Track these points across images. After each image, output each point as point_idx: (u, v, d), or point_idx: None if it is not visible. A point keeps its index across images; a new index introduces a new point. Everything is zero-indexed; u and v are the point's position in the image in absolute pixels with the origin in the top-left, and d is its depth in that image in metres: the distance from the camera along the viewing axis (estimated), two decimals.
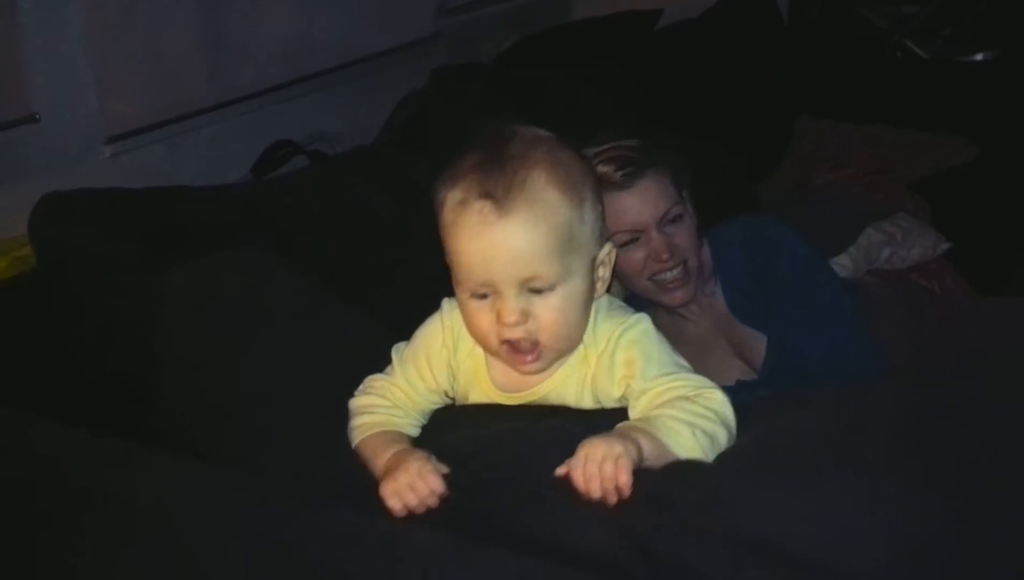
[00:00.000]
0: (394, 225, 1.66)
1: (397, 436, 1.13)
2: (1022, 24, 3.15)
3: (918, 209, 2.41)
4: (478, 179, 1.04)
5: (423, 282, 1.60)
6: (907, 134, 2.79)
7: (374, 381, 1.18)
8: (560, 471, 0.96)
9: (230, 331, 1.24)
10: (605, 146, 1.55)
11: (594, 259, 1.10)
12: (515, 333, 1.06)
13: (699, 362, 1.59)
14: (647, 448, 0.99)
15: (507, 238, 1.03)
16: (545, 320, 1.06)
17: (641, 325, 1.12)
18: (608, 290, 1.17)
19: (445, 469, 1.03)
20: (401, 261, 1.62)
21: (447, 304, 1.18)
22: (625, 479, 0.93)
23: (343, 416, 1.16)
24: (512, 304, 1.05)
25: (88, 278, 1.37)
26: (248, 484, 1.00)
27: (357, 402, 1.17)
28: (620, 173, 1.52)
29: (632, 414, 1.08)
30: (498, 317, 1.06)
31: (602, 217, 1.11)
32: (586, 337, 1.12)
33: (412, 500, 0.98)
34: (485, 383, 1.17)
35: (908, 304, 1.79)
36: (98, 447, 1.08)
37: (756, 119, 2.82)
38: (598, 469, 0.94)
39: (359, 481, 1.05)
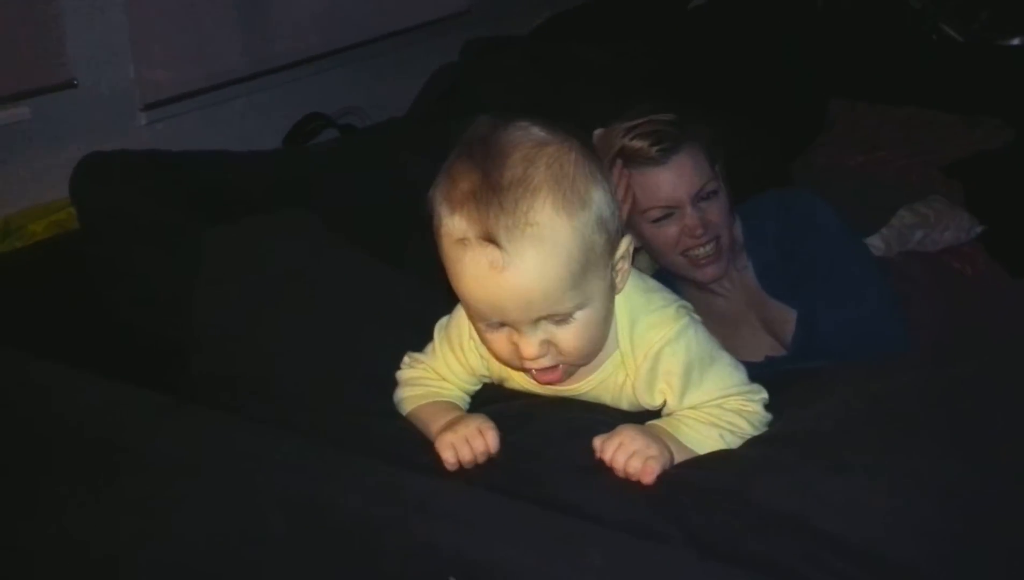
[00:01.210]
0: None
1: (451, 406, 1.12)
2: None
3: (952, 192, 2.38)
4: (476, 214, 0.93)
5: None
6: (941, 117, 2.76)
7: (418, 357, 1.17)
8: (595, 443, 0.98)
9: (270, 293, 1.25)
10: (640, 120, 1.54)
11: (613, 264, 1.02)
12: (537, 364, 1.01)
13: (729, 338, 1.59)
14: (677, 457, 1.00)
15: (517, 286, 0.94)
16: (568, 346, 1.00)
17: (685, 336, 1.05)
18: (633, 262, 1.10)
19: (500, 433, 1.03)
20: None
21: None
22: (649, 480, 0.94)
23: (385, 379, 1.17)
24: (531, 339, 0.98)
25: (127, 238, 1.39)
26: (284, 440, 1.02)
27: (405, 374, 1.16)
28: (656, 148, 1.51)
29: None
30: (517, 350, 1.00)
31: (616, 209, 1.01)
32: (622, 342, 1.06)
33: (466, 454, 0.99)
34: (520, 378, 1.12)
35: (941, 285, 1.78)
36: (137, 401, 1.10)
37: (788, 99, 2.80)
38: (626, 461, 0.95)
39: (407, 439, 1.06)
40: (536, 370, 1.02)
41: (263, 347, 1.21)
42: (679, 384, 1.05)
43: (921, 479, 0.91)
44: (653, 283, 1.13)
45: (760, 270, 1.61)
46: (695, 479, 0.95)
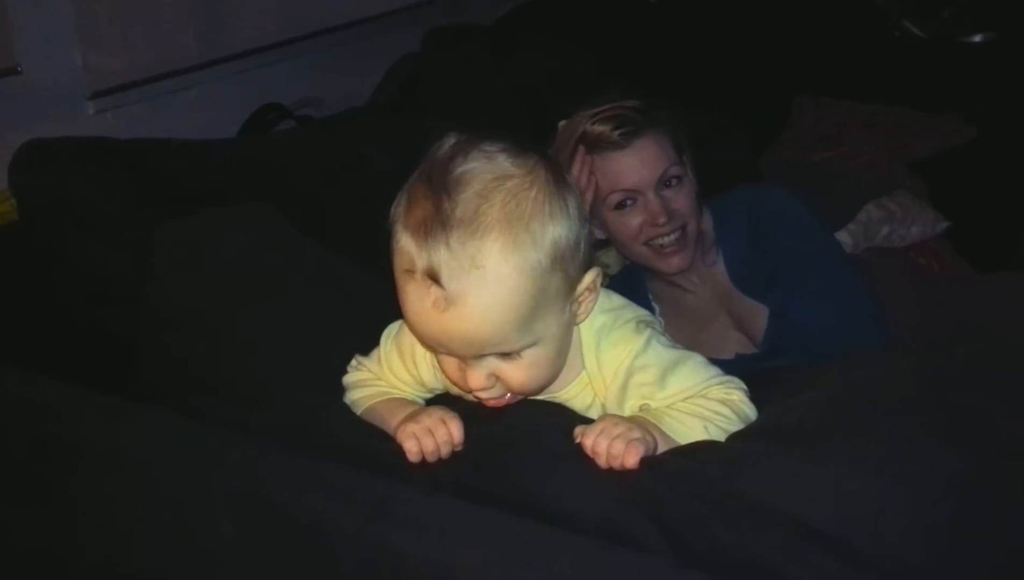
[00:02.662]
0: (394, 184, 1.61)
1: (409, 402, 1.08)
2: (1021, 5, 3.13)
3: (916, 188, 2.39)
4: (424, 247, 0.90)
5: None
6: (905, 113, 2.76)
7: (364, 361, 1.12)
8: (576, 431, 0.95)
9: (223, 289, 1.19)
10: (604, 107, 1.51)
11: (575, 298, 0.99)
12: (484, 395, 0.99)
13: (697, 334, 1.57)
14: (661, 446, 0.97)
15: (458, 328, 0.91)
16: (514, 382, 0.98)
17: (652, 345, 1.02)
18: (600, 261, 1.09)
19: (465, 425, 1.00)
20: None
21: None
22: (632, 462, 0.91)
23: (341, 378, 1.12)
24: (476, 372, 0.96)
25: (71, 229, 1.31)
26: (236, 441, 0.97)
27: (353, 377, 1.12)
28: (618, 132, 1.48)
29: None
30: (465, 378, 0.97)
31: (582, 241, 0.97)
32: (588, 362, 1.04)
33: (429, 444, 0.95)
34: None
35: (912, 282, 1.77)
36: (84, 402, 1.05)
37: (752, 94, 2.79)
38: (609, 444, 0.92)
39: (364, 435, 1.02)
40: (483, 398, 1.00)
41: (215, 345, 1.15)
42: (655, 384, 1.02)
43: (909, 470, 0.88)
44: (618, 300, 1.09)
45: (731, 266, 1.58)
46: (676, 468, 0.92)
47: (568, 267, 0.95)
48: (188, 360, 1.19)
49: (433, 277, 0.90)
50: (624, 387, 1.03)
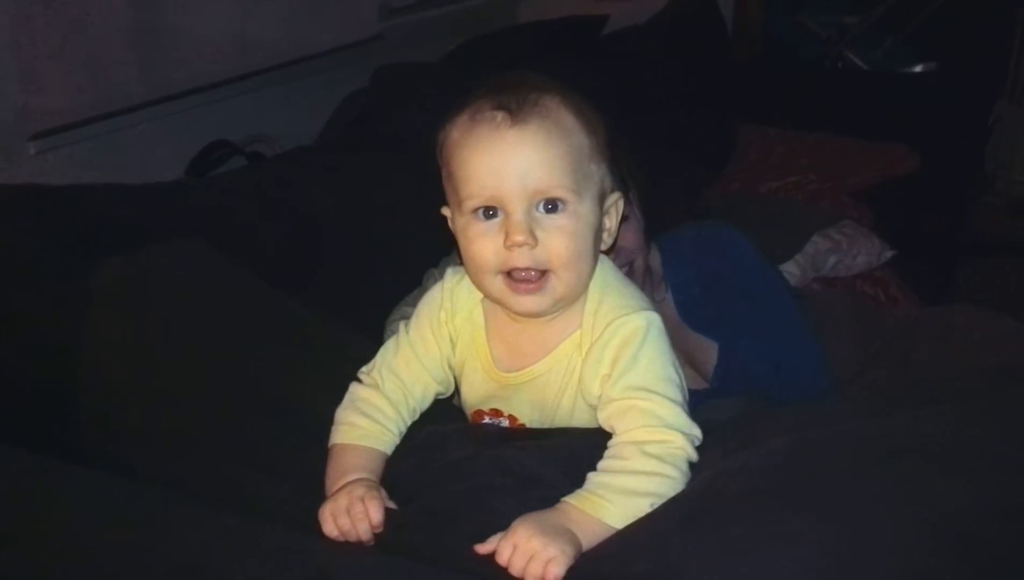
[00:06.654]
0: (337, 224, 1.59)
1: (367, 460, 1.05)
2: (961, 36, 3.21)
3: (862, 218, 2.42)
4: (490, 98, 1.02)
5: (365, 279, 1.54)
6: (850, 143, 2.81)
7: (368, 371, 1.11)
8: (485, 549, 0.91)
9: (160, 332, 1.15)
10: None
11: (603, 199, 1.06)
12: (522, 260, 1.00)
13: None
14: (587, 541, 0.93)
15: (520, 148, 0.99)
16: (556, 243, 1.01)
17: (641, 321, 1.03)
18: None
19: (392, 505, 0.97)
20: (343, 260, 1.55)
21: (450, 270, 1.15)
22: None
23: (287, 427, 1.09)
24: (521, 220, 0.99)
25: (6, 282, 1.26)
26: (175, 503, 0.94)
27: (357, 392, 1.10)
28: None
29: (600, 415, 1.03)
30: (505, 238, 1.00)
31: (609, 170, 1.07)
32: (586, 321, 1.06)
33: (345, 524, 0.93)
34: (483, 355, 1.12)
35: (856, 312, 1.79)
36: (12, 463, 1.01)
37: (700, 126, 2.82)
38: (524, 565, 0.88)
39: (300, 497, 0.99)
40: (517, 274, 1.01)
41: (153, 393, 1.11)
42: (623, 363, 1.01)
43: (859, 555, 0.83)
44: (633, 285, 1.12)
45: (680, 302, 1.59)
46: (605, 569, 0.86)
47: (603, 158, 1.05)
48: (122, 411, 1.14)
49: (501, 106, 1.00)
50: (603, 348, 1.03)
